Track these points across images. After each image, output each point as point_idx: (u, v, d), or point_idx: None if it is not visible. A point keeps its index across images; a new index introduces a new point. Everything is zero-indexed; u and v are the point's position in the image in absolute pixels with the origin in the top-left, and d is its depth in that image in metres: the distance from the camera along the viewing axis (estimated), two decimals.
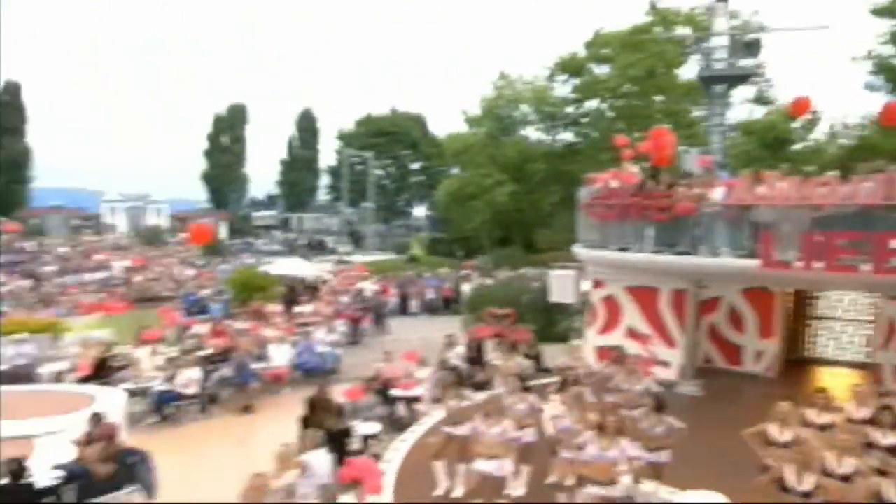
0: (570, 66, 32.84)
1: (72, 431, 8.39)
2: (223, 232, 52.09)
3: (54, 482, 6.86)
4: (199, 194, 59.82)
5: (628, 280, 11.80)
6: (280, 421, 11.07)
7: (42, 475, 6.92)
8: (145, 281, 16.88)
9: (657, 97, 31.05)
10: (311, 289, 20.06)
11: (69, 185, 56.01)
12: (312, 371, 12.86)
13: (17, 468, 6.70)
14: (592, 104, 33.24)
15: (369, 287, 20.32)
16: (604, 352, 10.57)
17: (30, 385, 11.35)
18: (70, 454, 7.56)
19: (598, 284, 12.52)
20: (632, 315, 11.87)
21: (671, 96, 29.87)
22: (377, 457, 8.26)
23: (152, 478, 7.33)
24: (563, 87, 33.66)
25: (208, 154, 57.93)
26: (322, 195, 59.38)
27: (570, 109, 33.82)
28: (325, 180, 58.70)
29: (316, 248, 41.77)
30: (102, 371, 11.73)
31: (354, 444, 8.48)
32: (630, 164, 12.66)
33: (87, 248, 18.89)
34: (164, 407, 10.40)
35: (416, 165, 54.62)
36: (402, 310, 21.12)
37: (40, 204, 50.03)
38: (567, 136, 34.95)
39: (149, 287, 16.36)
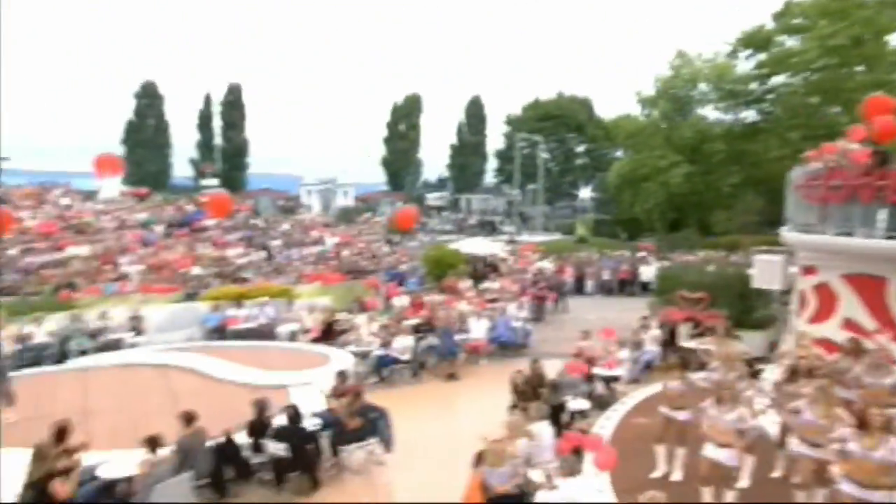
0: (756, 40, 29.86)
1: (319, 385, 9.30)
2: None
3: (313, 428, 7.60)
4: (378, 178, 63.29)
5: (847, 267, 10.48)
6: (481, 389, 11.44)
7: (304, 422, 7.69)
8: (351, 255, 18.12)
9: (859, 68, 27.23)
10: (490, 267, 20.37)
11: (276, 171, 62.02)
12: (506, 344, 13.09)
13: (294, 413, 7.50)
14: (780, 79, 30.03)
15: (548, 266, 20.19)
16: (825, 343, 9.53)
17: (271, 342, 12.76)
18: (316, 406, 8.33)
19: (809, 271, 11.29)
20: (850, 305, 10.55)
21: (880, 66, 25.99)
22: (584, 433, 8.19)
23: (390, 433, 7.86)
24: (746, 63, 30.79)
25: (387, 141, 61.02)
26: (489, 178, 60.00)
27: (753, 86, 30.86)
28: (492, 164, 59.19)
29: (486, 228, 42.32)
30: (330, 334, 12.86)
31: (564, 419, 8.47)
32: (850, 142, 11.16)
33: (306, 225, 20.69)
34: (382, 369, 11.13)
35: (581, 148, 53.39)
36: (578, 290, 20.78)
37: (253, 188, 55.95)
38: (749, 114, 32.01)
39: (354, 261, 17.54)
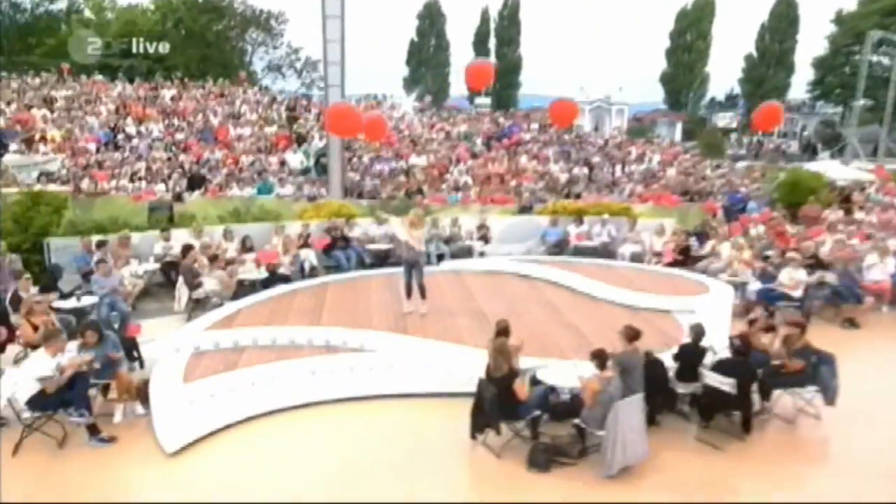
0: None
1: (699, 314, 8.38)
2: (677, 135, 50.26)
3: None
4: (656, 96, 58.45)
5: None
6: (888, 338, 9.50)
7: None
8: (677, 175, 16.50)
9: None
10: (840, 194, 17.01)
11: (547, 92, 61.16)
12: None
13: (700, 330, 6.75)
14: None
15: None
16: None
17: (630, 263, 12.16)
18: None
19: None
20: None
21: None
22: None
23: (836, 383, 6.60)
24: None
25: (669, 53, 55.53)
26: (794, 93, 51.21)
27: None
28: (803, 76, 50.23)
29: (808, 152, 36.46)
30: (685, 260, 11.78)
31: None
32: None
33: (622, 141, 19.54)
34: (769, 306, 9.72)
35: None
36: None
37: (525, 106, 55.94)
38: None
39: (683, 181, 15.91)
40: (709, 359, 6.64)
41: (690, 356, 6.59)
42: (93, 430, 6.31)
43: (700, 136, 41.62)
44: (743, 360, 6.25)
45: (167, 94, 21.62)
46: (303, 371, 7.39)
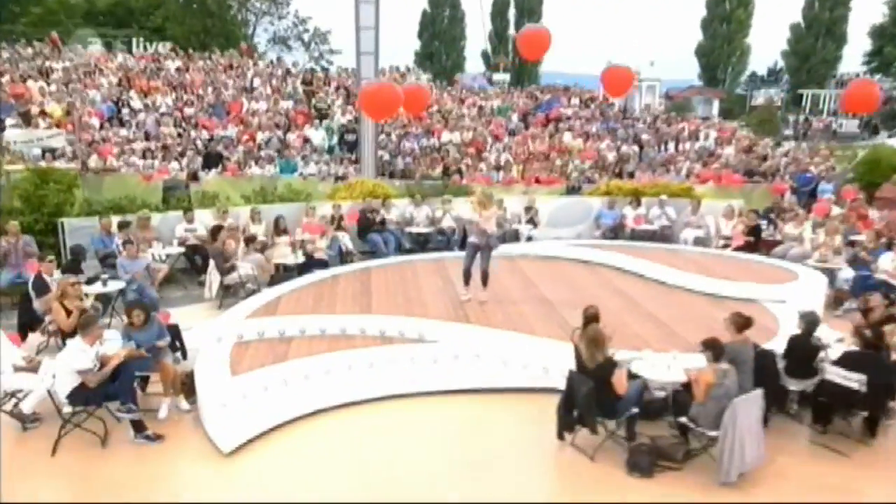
0: None
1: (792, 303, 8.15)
2: (713, 114, 49.58)
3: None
4: (690, 72, 57.59)
5: None
6: None
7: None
8: (737, 153, 16.16)
9: None
10: None
11: (571, 69, 60.48)
12: None
13: (813, 320, 6.51)
14: None
15: None
16: None
17: (694, 248, 11.92)
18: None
19: None
20: None
21: None
22: None
23: None
24: None
25: (705, 24, 54.55)
26: (847, 67, 50.27)
27: None
28: (857, 47, 49.28)
29: (868, 131, 35.87)
30: (758, 243, 11.50)
31: None
32: None
33: (671, 118, 19.19)
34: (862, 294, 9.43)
35: None
36: None
37: (549, 83, 55.27)
38: None
39: (744, 161, 15.59)
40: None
41: (803, 349, 6.33)
42: (139, 426, 6.13)
43: (750, 113, 40.70)
44: (874, 353, 5.97)
45: (172, 65, 21.37)
46: (359, 363, 7.18)
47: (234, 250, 9.74)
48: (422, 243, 12.64)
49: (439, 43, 53.68)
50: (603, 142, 17.02)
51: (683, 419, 5.74)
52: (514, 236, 12.89)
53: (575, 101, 20.63)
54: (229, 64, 21.52)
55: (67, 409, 6.01)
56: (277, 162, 14.96)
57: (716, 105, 51.77)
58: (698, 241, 12.38)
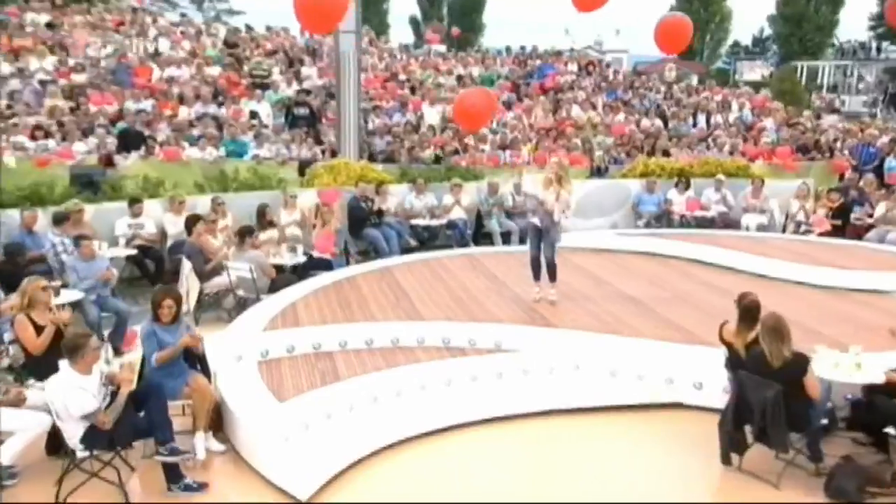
0: None
1: None
2: None
3: None
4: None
5: None
6: None
7: None
8: (779, 126, 16.96)
9: None
10: None
11: (517, 39, 61.65)
12: None
13: None
14: None
15: None
16: None
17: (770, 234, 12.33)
18: None
19: None
20: None
21: None
22: None
23: None
24: None
25: None
26: (847, 34, 53.10)
27: None
28: (856, 11, 52.16)
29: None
30: (843, 227, 12.04)
31: None
32: None
33: (693, 86, 19.93)
34: None
35: None
36: None
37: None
38: None
39: (795, 135, 16.35)
40: None
41: None
42: (174, 472, 5.66)
43: (773, 82, 42.00)
44: None
45: (40, 19, 20.31)
46: (433, 381, 6.98)
47: (214, 247, 9.30)
48: (427, 240, 12.50)
49: (356, 5, 53.02)
50: (617, 114, 17.40)
51: (891, 429, 5.80)
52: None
53: (572, 66, 21.02)
54: (121, 20, 20.67)
55: (83, 454, 5.48)
56: (224, 142, 14.45)
57: (694, 81, 53.89)
58: (761, 229, 12.78)
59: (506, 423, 6.74)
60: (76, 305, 8.20)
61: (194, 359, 6.62)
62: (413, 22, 54.28)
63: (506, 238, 12.75)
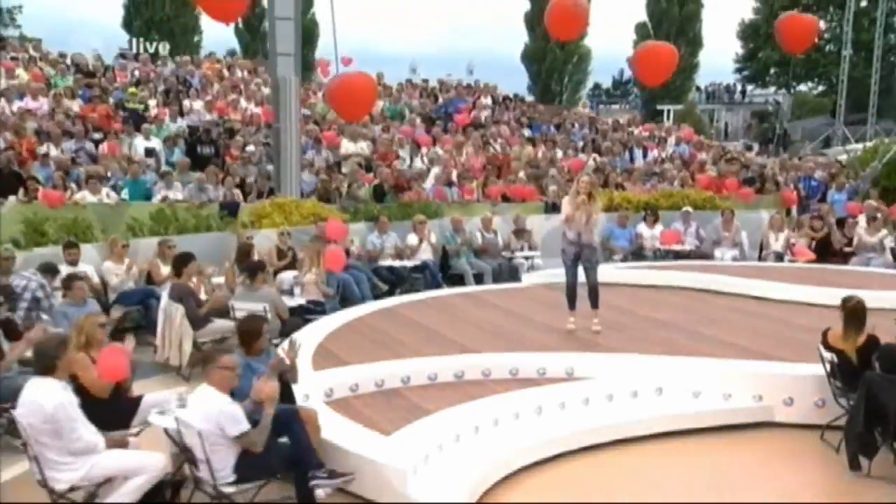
0: None
1: None
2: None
3: None
4: (517, 82, 62.55)
5: None
6: None
7: None
8: (714, 161, 19.21)
9: None
10: None
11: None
12: None
13: None
14: None
15: None
16: None
17: None
18: None
19: None
20: None
21: None
22: None
23: None
24: None
25: (530, 20, 59.28)
26: (711, 76, 58.84)
27: None
28: (712, 54, 58.00)
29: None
30: (825, 257, 13.99)
31: None
32: None
33: (614, 121, 21.89)
34: None
35: None
36: None
37: None
38: None
39: (733, 168, 18.62)
40: None
41: None
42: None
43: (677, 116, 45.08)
44: None
45: None
46: (523, 408, 7.75)
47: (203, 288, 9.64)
48: (394, 283, 13.14)
49: (159, 35, 51.94)
50: (552, 149, 19.00)
51: None
52: (511, 271, 13.98)
53: (485, 100, 22.55)
54: None
55: (230, 490, 5.77)
56: (125, 183, 14.49)
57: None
58: (736, 261, 14.48)
59: (615, 449, 7.52)
60: None
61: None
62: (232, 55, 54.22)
63: (478, 279, 13.60)
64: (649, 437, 7.71)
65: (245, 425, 5.78)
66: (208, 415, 5.75)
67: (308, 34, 54.13)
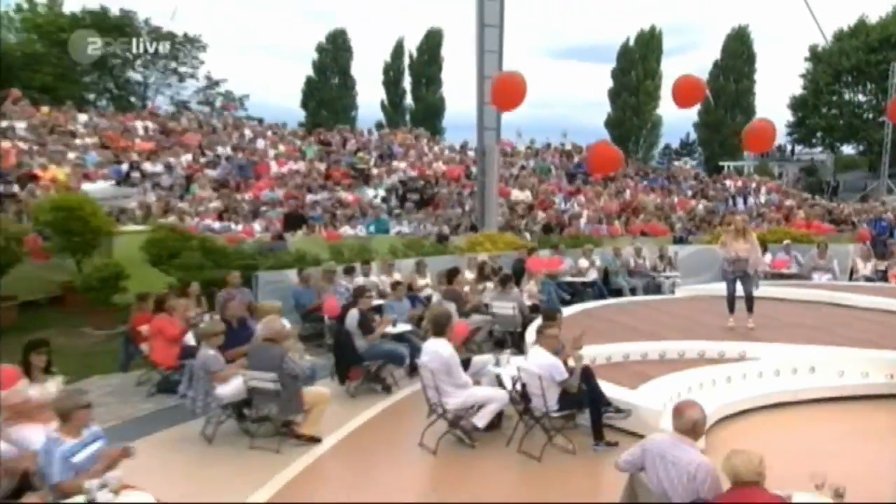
0: None
1: None
2: None
3: None
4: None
5: None
6: None
7: None
8: (799, 206, 19.87)
9: None
10: None
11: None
12: None
13: None
14: None
15: None
16: None
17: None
18: None
19: None
20: None
21: None
22: None
23: None
24: None
25: (613, 95, 60.46)
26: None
27: None
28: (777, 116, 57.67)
29: None
30: None
31: None
32: None
33: (712, 177, 22.85)
34: None
35: None
36: None
37: None
38: None
39: (819, 212, 19.25)
40: None
41: None
42: (600, 432, 7.32)
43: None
44: None
45: (140, 126, 21.87)
46: (718, 376, 8.86)
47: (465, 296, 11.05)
48: (572, 294, 14.33)
49: (327, 112, 54.11)
50: (669, 196, 20.11)
51: None
52: (655, 287, 15.03)
53: None
54: (223, 124, 22.53)
55: (555, 415, 7.13)
56: (372, 222, 16.24)
57: None
58: (830, 282, 15.21)
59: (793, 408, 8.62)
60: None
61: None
62: (378, 126, 56.40)
63: (633, 292, 14.74)
64: (805, 402, 8.76)
65: (566, 375, 7.13)
66: (542, 365, 7.15)
67: (435, 109, 56.27)
